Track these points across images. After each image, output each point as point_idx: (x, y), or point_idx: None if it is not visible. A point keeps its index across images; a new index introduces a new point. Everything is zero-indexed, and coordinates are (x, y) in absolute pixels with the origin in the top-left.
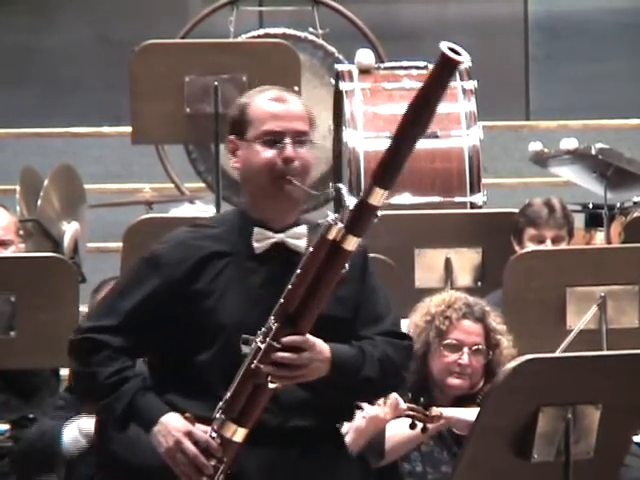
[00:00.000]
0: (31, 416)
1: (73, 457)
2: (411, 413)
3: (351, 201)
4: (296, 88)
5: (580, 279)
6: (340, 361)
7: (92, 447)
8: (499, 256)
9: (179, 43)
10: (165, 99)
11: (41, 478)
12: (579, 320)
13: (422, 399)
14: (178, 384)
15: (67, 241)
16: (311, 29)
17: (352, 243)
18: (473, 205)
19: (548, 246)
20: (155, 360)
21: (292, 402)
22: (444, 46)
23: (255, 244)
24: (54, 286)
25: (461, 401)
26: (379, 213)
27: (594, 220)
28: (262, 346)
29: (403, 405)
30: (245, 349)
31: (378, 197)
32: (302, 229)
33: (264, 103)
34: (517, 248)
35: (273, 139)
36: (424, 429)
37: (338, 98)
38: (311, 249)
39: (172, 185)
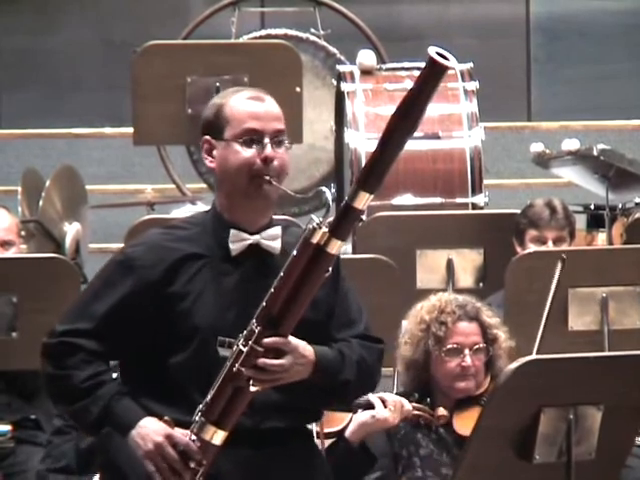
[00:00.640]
0: (33, 417)
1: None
2: (417, 413)
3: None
4: (298, 89)
5: (582, 280)
6: (323, 364)
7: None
8: (501, 257)
9: (181, 44)
10: (167, 100)
11: None
12: (581, 321)
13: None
14: (151, 387)
15: (69, 242)
16: (313, 30)
17: (336, 247)
18: (475, 206)
19: (549, 247)
20: (128, 364)
21: (267, 403)
22: (432, 51)
23: (231, 246)
24: (56, 287)
25: (465, 403)
26: (363, 216)
27: (596, 221)
28: (244, 349)
29: (408, 406)
30: (222, 351)
31: (363, 201)
32: (276, 230)
33: (242, 103)
34: (519, 249)
35: (252, 138)
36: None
37: (340, 99)
38: (295, 252)
39: (174, 186)
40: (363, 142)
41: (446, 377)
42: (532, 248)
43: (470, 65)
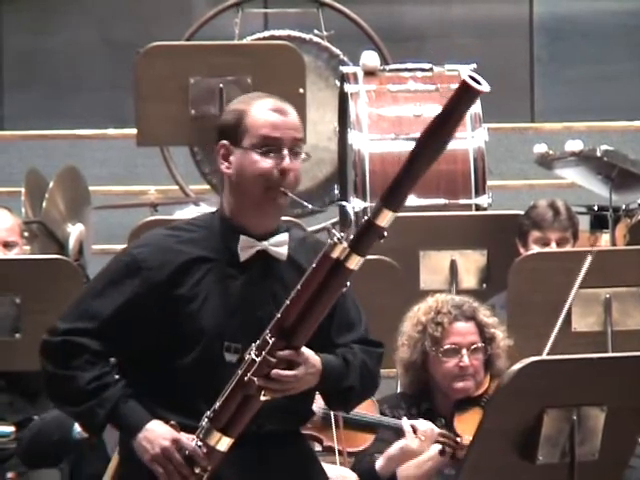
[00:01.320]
0: (36, 417)
1: (80, 454)
2: (442, 440)
3: (356, 204)
4: (301, 90)
5: (585, 281)
6: (329, 372)
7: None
8: (504, 258)
9: (184, 45)
10: (170, 101)
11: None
12: (584, 322)
13: (424, 406)
14: (155, 390)
15: (72, 243)
16: (316, 31)
17: (355, 262)
18: (478, 207)
19: (553, 248)
20: (132, 365)
21: (269, 407)
22: (465, 74)
23: (240, 252)
24: (59, 288)
25: (464, 404)
26: (385, 234)
27: (599, 222)
28: (257, 359)
29: (436, 430)
30: (228, 356)
31: (386, 219)
32: (284, 237)
33: (264, 112)
34: (522, 250)
35: (271, 149)
36: (442, 452)
37: (343, 100)
38: (313, 265)
39: (177, 187)
40: (366, 143)
41: (445, 378)
42: (535, 249)
43: (473, 66)
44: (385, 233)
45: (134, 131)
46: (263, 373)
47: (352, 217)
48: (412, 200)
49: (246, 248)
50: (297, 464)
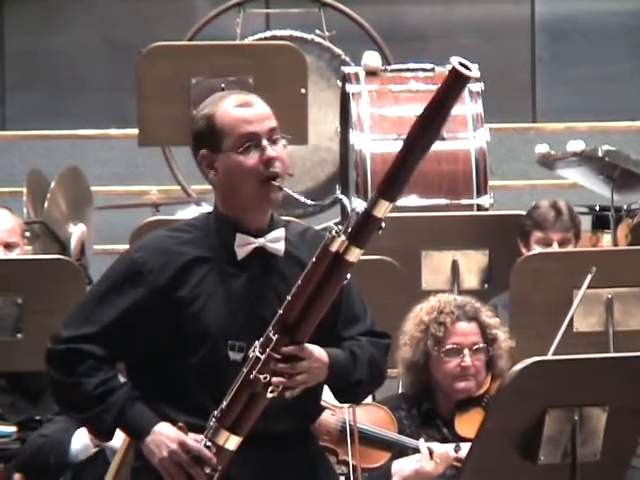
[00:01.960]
0: (37, 418)
1: (80, 462)
2: (458, 464)
3: (358, 204)
4: (303, 90)
5: (584, 284)
6: (336, 366)
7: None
8: (506, 258)
9: (186, 45)
10: (172, 101)
11: None
12: (586, 322)
13: (425, 406)
14: (161, 391)
15: (74, 243)
16: (318, 31)
17: (355, 255)
18: (480, 207)
19: (555, 249)
20: (137, 368)
21: (278, 407)
22: (455, 61)
23: (237, 250)
24: (61, 288)
25: (466, 405)
26: (383, 225)
27: (601, 222)
28: (262, 357)
29: (452, 453)
30: (232, 355)
31: (383, 209)
32: (280, 232)
33: (232, 110)
34: (524, 250)
35: (251, 145)
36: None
37: (345, 100)
38: (313, 260)
39: (179, 187)
40: (368, 143)
41: (446, 378)
42: (537, 250)
43: (475, 66)
44: (383, 224)
45: (136, 131)
46: (268, 370)
47: (350, 210)
48: (414, 200)
49: (243, 245)
50: (307, 464)
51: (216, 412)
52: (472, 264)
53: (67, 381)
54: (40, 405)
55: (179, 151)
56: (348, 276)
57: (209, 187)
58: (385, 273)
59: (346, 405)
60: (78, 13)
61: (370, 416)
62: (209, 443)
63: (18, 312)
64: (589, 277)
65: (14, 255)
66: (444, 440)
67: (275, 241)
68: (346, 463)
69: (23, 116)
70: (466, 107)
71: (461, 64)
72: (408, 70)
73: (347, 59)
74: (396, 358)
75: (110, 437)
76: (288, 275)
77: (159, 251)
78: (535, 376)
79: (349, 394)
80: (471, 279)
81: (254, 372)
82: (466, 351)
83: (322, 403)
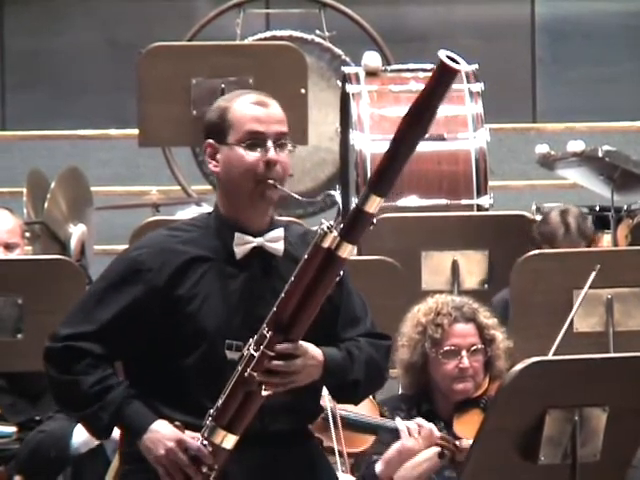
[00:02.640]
0: (37, 418)
1: (81, 458)
2: (441, 442)
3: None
4: (303, 91)
5: (587, 281)
6: (331, 365)
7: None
8: (506, 258)
9: (186, 45)
10: (172, 101)
11: None
12: (586, 323)
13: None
14: (159, 390)
15: (74, 243)
16: (318, 31)
17: (347, 250)
18: (480, 207)
19: None
20: (135, 366)
21: (275, 406)
22: (442, 54)
23: (236, 249)
24: (61, 289)
25: (464, 406)
26: (374, 220)
27: (601, 223)
28: (256, 354)
29: (437, 433)
30: (230, 354)
31: (374, 204)
32: (279, 232)
33: (245, 107)
34: None
35: (255, 142)
36: (442, 455)
37: (345, 100)
38: (305, 257)
39: (179, 187)
40: (368, 143)
41: (444, 379)
42: None
43: (475, 67)
44: (374, 220)
45: (136, 132)
46: (262, 368)
47: (340, 205)
48: (414, 201)
49: (241, 245)
50: (305, 463)
51: (212, 411)
52: (472, 264)
53: (65, 379)
54: (40, 406)
55: (179, 151)
56: (341, 272)
57: (209, 187)
58: (385, 273)
59: (325, 392)
60: (78, 14)
61: None
62: (206, 442)
63: (18, 312)
64: (593, 274)
65: (14, 255)
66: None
67: (274, 241)
68: (331, 450)
69: (23, 116)
70: (466, 107)
71: (449, 57)
72: (408, 70)
73: (347, 59)
74: (395, 359)
75: (107, 435)
76: (287, 276)
77: (158, 250)
78: (535, 376)
79: (347, 394)
80: (471, 279)
81: (248, 370)
82: (464, 352)
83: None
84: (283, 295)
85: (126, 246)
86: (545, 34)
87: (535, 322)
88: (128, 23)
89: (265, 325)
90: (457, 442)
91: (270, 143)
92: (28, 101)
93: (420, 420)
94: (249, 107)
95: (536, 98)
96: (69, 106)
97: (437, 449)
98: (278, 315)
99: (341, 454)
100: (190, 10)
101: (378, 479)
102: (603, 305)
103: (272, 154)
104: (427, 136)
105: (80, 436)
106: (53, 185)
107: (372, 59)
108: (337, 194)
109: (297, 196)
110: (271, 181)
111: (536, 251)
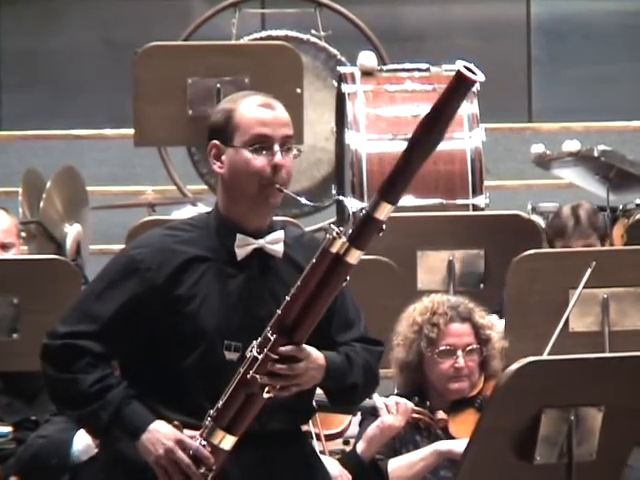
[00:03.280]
0: (33, 418)
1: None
2: (417, 417)
3: (354, 204)
4: (298, 90)
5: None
6: (332, 369)
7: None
8: (502, 258)
9: (182, 45)
10: (168, 101)
11: None
12: (582, 322)
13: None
14: (157, 390)
15: (69, 243)
16: (314, 31)
17: (355, 256)
18: (476, 207)
19: None
20: (133, 366)
21: (273, 406)
22: (460, 65)
23: (237, 250)
24: (57, 288)
25: (459, 405)
26: (383, 227)
27: None
28: (259, 357)
29: (410, 404)
30: (228, 355)
31: (384, 211)
32: (279, 234)
33: (252, 109)
34: None
35: (261, 145)
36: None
37: (340, 100)
38: (313, 261)
39: (174, 187)
40: (364, 143)
41: (440, 378)
42: None
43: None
44: (384, 226)
45: (132, 131)
46: (265, 370)
47: (350, 212)
48: (410, 200)
49: (243, 246)
50: (301, 462)
51: (212, 411)
52: (468, 264)
53: (63, 377)
54: (36, 405)
55: (175, 151)
56: (348, 278)
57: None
58: (381, 273)
59: None
60: (75, 14)
61: None
62: (204, 442)
63: (14, 312)
64: (589, 271)
65: (10, 255)
66: (438, 440)
67: (274, 242)
68: (308, 434)
69: (19, 116)
70: (462, 107)
71: (466, 68)
72: (404, 70)
73: (343, 59)
74: (390, 359)
75: (105, 435)
76: (285, 277)
77: (158, 249)
78: (531, 376)
79: (345, 398)
80: (467, 279)
81: (251, 372)
82: (459, 352)
83: None
84: (288, 298)
85: (122, 246)
86: (541, 34)
87: (531, 322)
88: (124, 23)
89: (269, 328)
90: (432, 415)
91: (277, 147)
92: (24, 101)
93: (396, 397)
94: (255, 110)
95: (532, 98)
96: (65, 106)
97: (432, 448)
98: (283, 318)
99: (318, 437)
100: (186, 10)
101: (360, 458)
102: (599, 305)
103: (279, 158)
104: None
105: (81, 443)
106: (49, 185)
107: (368, 59)
108: (347, 201)
109: (304, 200)
110: (277, 186)
111: (532, 251)
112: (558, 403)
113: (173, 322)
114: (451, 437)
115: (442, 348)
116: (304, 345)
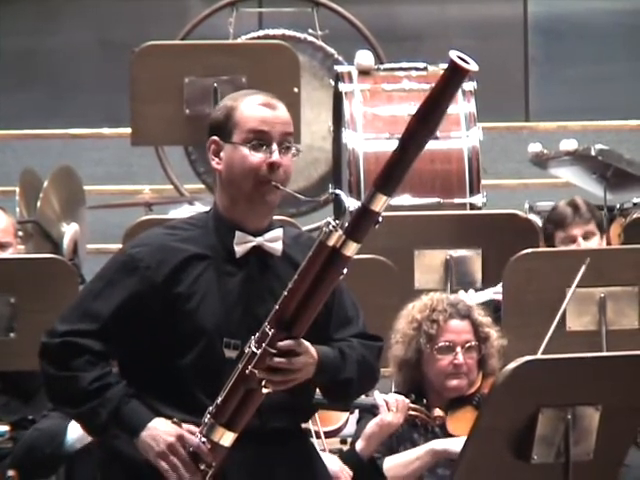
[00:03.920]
0: (31, 417)
1: (73, 456)
2: (414, 414)
3: (351, 203)
4: (296, 89)
5: (580, 280)
6: (325, 363)
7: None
8: (499, 257)
9: (179, 44)
10: (165, 100)
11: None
12: (579, 321)
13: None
14: (156, 388)
15: (67, 242)
16: (311, 30)
17: (352, 249)
18: (473, 206)
19: (581, 245)
20: (132, 364)
21: (272, 404)
22: (454, 54)
23: (236, 248)
24: (54, 288)
25: (457, 403)
26: (380, 219)
27: None
28: (257, 352)
29: (406, 400)
30: (227, 352)
31: (380, 203)
32: (278, 232)
33: (252, 107)
34: None
35: (260, 142)
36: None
37: (338, 99)
38: (309, 255)
39: (172, 186)
40: (361, 142)
41: (438, 375)
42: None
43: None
44: (380, 218)
45: (129, 130)
46: (264, 365)
47: (346, 205)
48: (407, 199)
49: (242, 244)
50: (302, 460)
51: (211, 408)
52: (465, 263)
53: (62, 375)
54: (33, 405)
55: (172, 150)
56: (345, 271)
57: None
58: (378, 272)
59: None
60: (72, 13)
61: None
62: (204, 439)
63: (11, 311)
64: (583, 268)
65: (7, 254)
66: (436, 438)
67: (273, 240)
68: (308, 431)
69: (16, 115)
70: (459, 106)
71: (460, 57)
72: (401, 69)
73: (340, 58)
74: (388, 357)
75: (103, 434)
76: (283, 275)
77: (157, 247)
78: (528, 375)
79: (339, 393)
80: (464, 278)
81: (250, 367)
82: (458, 349)
83: None
84: (286, 293)
85: (119, 245)
86: (538, 33)
87: (528, 321)
88: (121, 22)
89: (267, 323)
90: (429, 412)
91: (275, 146)
92: (21, 100)
93: (396, 395)
94: (256, 108)
95: (529, 97)
96: (62, 105)
97: (428, 447)
98: (281, 313)
99: (318, 435)
100: (183, 9)
101: (359, 456)
102: (596, 304)
103: (276, 157)
104: None
105: (74, 432)
106: (46, 184)
107: (365, 58)
108: (343, 194)
109: (300, 196)
110: (273, 183)
111: (528, 250)
112: (555, 402)
113: (172, 320)
114: (449, 435)
115: (441, 344)
116: (302, 339)
